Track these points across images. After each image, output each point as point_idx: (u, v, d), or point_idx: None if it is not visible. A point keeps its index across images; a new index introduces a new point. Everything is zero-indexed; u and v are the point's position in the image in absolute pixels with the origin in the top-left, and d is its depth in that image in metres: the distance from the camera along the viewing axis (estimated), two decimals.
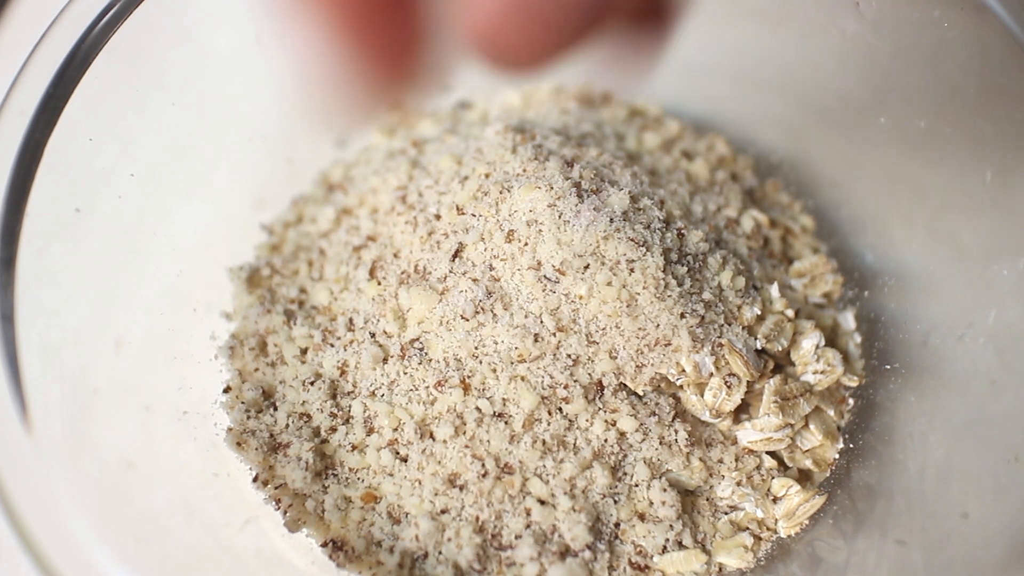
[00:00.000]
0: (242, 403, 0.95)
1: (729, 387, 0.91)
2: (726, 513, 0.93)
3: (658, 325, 0.90)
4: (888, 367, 0.98)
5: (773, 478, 0.93)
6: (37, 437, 0.76)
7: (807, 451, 0.95)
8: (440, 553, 0.89)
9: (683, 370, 0.91)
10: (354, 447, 0.93)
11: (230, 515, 0.91)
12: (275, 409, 0.95)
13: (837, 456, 0.96)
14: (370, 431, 0.93)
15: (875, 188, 1.03)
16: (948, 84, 0.92)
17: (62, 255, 0.87)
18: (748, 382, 0.92)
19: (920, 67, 0.94)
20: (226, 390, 0.97)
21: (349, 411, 0.94)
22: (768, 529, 0.93)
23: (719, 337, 0.91)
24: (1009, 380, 0.87)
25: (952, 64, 0.90)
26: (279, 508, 0.91)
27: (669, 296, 0.90)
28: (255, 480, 0.92)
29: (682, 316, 0.90)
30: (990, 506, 0.83)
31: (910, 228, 1.00)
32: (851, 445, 0.96)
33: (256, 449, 0.93)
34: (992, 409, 0.87)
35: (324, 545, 0.90)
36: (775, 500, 0.93)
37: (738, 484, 0.92)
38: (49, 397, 0.80)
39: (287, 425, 0.94)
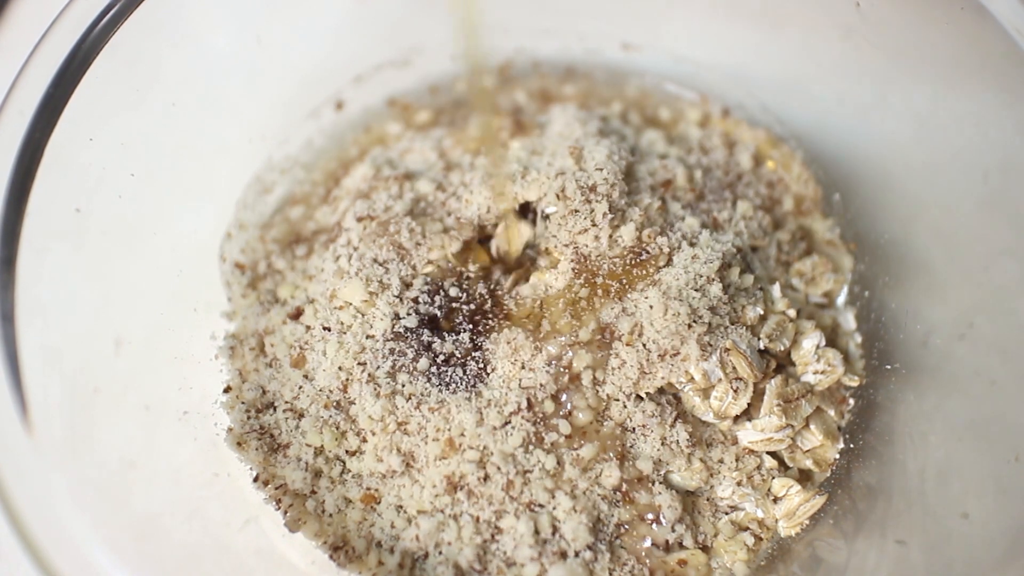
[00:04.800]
0: (242, 403, 0.95)
1: (736, 392, 0.91)
2: (727, 513, 0.93)
3: (666, 336, 0.90)
4: (888, 367, 0.98)
5: (773, 478, 0.93)
6: (37, 437, 0.76)
7: (808, 451, 0.95)
8: (440, 553, 0.89)
9: (692, 378, 0.91)
10: (355, 448, 0.93)
11: (230, 515, 0.91)
12: (275, 410, 0.95)
13: (837, 456, 0.96)
14: (371, 432, 0.93)
15: (875, 188, 1.03)
16: (948, 84, 0.92)
17: (62, 255, 0.86)
18: (752, 383, 0.92)
19: (920, 67, 0.94)
20: (226, 390, 0.97)
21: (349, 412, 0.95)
22: (768, 529, 0.93)
23: (724, 339, 0.91)
24: (1009, 380, 0.87)
25: (952, 64, 0.90)
26: (279, 508, 0.91)
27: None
28: (255, 480, 0.92)
29: (689, 327, 0.90)
30: (990, 506, 0.82)
31: (910, 228, 1.00)
32: (851, 445, 0.96)
33: (256, 449, 0.93)
34: (992, 409, 0.87)
35: (324, 545, 0.90)
36: (775, 500, 0.93)
37: (738, 484, 0.92)
38: (49, 397, 0.80)
39: (289, 426, 0.94)
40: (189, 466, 0.91)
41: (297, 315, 0.99)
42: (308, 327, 0.97)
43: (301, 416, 0.94)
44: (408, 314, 0.94)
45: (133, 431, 0.88)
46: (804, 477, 0.95)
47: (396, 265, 0.96)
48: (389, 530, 0.91)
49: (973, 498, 0.84)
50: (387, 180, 1.01)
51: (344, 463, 0.93)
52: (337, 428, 0.92)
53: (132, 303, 0.93)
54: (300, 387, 0.95)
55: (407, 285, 0.96)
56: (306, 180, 1.10)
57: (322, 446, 0.93)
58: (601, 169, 0.96)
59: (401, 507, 0.91)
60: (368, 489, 0.92)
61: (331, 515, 0.91)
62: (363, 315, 0.94)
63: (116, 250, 0.93)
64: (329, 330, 0.95)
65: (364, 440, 0.92)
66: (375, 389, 0.91)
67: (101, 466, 0.83)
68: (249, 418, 0.94)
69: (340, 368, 0.93)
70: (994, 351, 0.88)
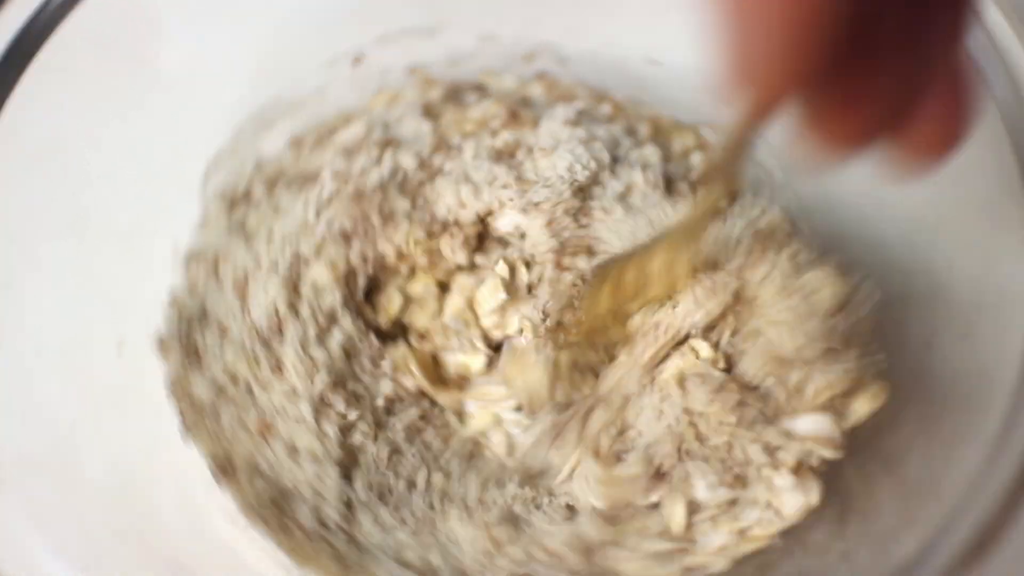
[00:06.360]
0: (180, 313, 0.97)
1: None
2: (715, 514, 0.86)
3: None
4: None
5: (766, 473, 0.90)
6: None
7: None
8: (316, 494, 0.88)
9: None
10: (267, 380, 0.93)
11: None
12: (206, 326, 0.96)
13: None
14: (294, 369, 0.93)
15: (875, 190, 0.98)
16: None
17: (62, 255, 0.90)
18: None
19: None
20: (173, 300, 0.99)
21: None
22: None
23: None
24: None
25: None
26: (181, 415, 0.92)
27: None
28: (170, 384, 0.93)
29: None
30: None
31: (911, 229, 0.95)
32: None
33: (176, 358, 0.94)
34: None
35: (211, 460, 0.90)
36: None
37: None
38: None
39: (212, 345, 0.95)
40: (191, 468, 0.91)
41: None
42: (258, 258, 0.98)
43: (226, 338, 0.95)
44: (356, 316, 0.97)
45: (133, 431, 0.90)
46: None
47: (360, 242, 0.97)
48: (274, 463, 0.90)
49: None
50: (372, 143, 1.02)
51: (253, 392, 0.92)
52: (255, 357, 0.93)
53: (132, 303, 0.96)
54: (234, 312, 0.96)
55: (364, 260, 0.98)
56: (307, 124, 1.12)
57: (235, 370, 0.93)
58: (549, 186, 0.95)
59: (293, 447, 0.90)
60: (265, 420, 0.91)
61: (226, 435, 0.91)
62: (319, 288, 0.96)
63: (116, 250, 0.95)
64: (276, 268, 0.96)
65: (279, 375, 0.92)
66: (303, 342, 0.93)
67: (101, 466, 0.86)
68: (180, 327, 0.96)
69: (276, 310, 0.94)
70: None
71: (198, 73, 1.03)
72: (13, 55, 0.84)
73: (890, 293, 0.91)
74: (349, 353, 0.95)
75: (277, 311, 0.93)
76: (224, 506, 0.89)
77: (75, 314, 0.90)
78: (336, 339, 0.94)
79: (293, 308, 0.94)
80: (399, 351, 0.98)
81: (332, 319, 0.95)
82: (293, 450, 0.89)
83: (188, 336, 0.95)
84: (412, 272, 1.02)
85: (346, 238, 0.97)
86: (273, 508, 0.86)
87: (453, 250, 0.98)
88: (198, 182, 1.06)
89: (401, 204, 0.99)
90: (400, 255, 0.99)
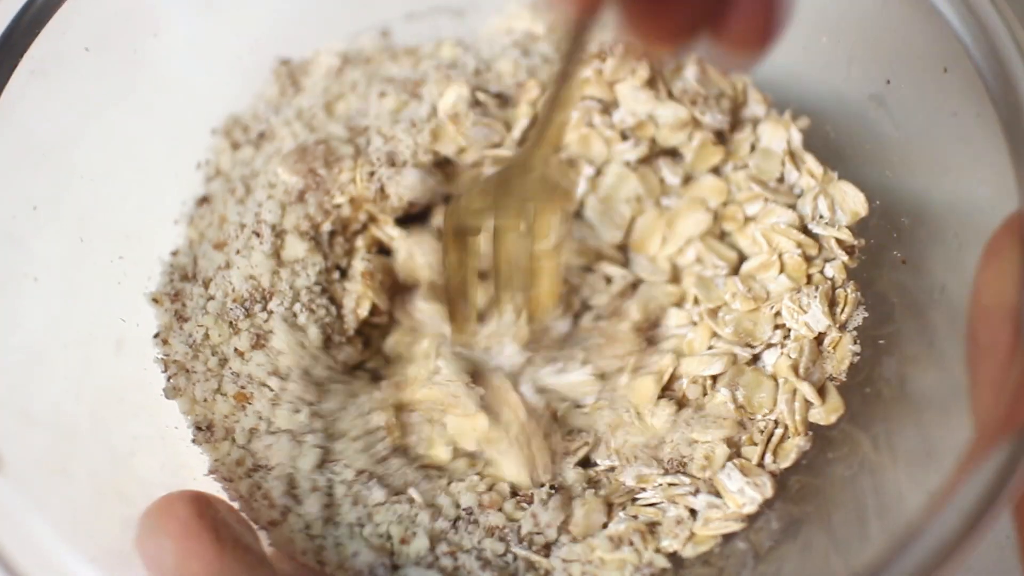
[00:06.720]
0: (173, 267, 0.96)
1: None
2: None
3: None
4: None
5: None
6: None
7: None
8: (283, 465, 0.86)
9: None
10: (238, 352, 0.91)
11: None
12: (195, 282, 0.95)
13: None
14: (257, 345, 0.91)
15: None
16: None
17: (62, 255, 0.88)
18: None
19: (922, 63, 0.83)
20: (174, 253, 0.98)
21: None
22: None
23: None
24: None
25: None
26: (166, 372, 0.91)
27: None
28: (156, 336, 0.92)
29: None
30: None
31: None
32: None
33: (166, 310, 0.93)
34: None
35: (191, 421, 0.89)
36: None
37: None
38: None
39: (197, 306, 0.93)
40: (189, 466, 0.89)
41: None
42: (233, 215, 0.97)
43: (211, 299, 0.93)
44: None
45: (132, 431, 0.88)
46: None
47: (314, 195, 0.96)
48: (248, 431, 0.88)
49: None
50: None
51: (227, 360, 0.90)
52: (231, 325, 0.91)
53: (132, 303, 0.94)
54: (218, 270, 0.94)
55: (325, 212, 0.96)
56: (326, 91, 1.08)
57: (212, 336, 0.91)
58: None
59: (269, 419, 0.88)
60: (243, 388, 0.89)
61: (204, 399, 0.89)
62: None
63: (116, 249, 0.94)
64: (259, 236, 0.94)
65: (260, 347, 0.90)
66: (291, 316, 0.91)
67: (99, 468, 0.84)
68: (172, 280, 0.95)
69: (253, 277, 0.92)
70: None
71: (212, 39, 1.02)
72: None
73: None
74: (329, 339, 0.94)
75: (260, 282, 0.92)
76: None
77: (75, 314, 0.89)
78: (319, 316, 0.93)
79: (276, 282, 0.93)
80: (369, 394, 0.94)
81: (312, 292, 0.93)
82: (270, 425, 0.88)
83: (178, 292, 0.94)
84: (368, 224, 1.00)
85: (300, 197, 0.96)
86: (247, 478, 0.86)
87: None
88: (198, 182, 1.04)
89: (345, 149, 0.97)
90: (353, 202, 0.96)
